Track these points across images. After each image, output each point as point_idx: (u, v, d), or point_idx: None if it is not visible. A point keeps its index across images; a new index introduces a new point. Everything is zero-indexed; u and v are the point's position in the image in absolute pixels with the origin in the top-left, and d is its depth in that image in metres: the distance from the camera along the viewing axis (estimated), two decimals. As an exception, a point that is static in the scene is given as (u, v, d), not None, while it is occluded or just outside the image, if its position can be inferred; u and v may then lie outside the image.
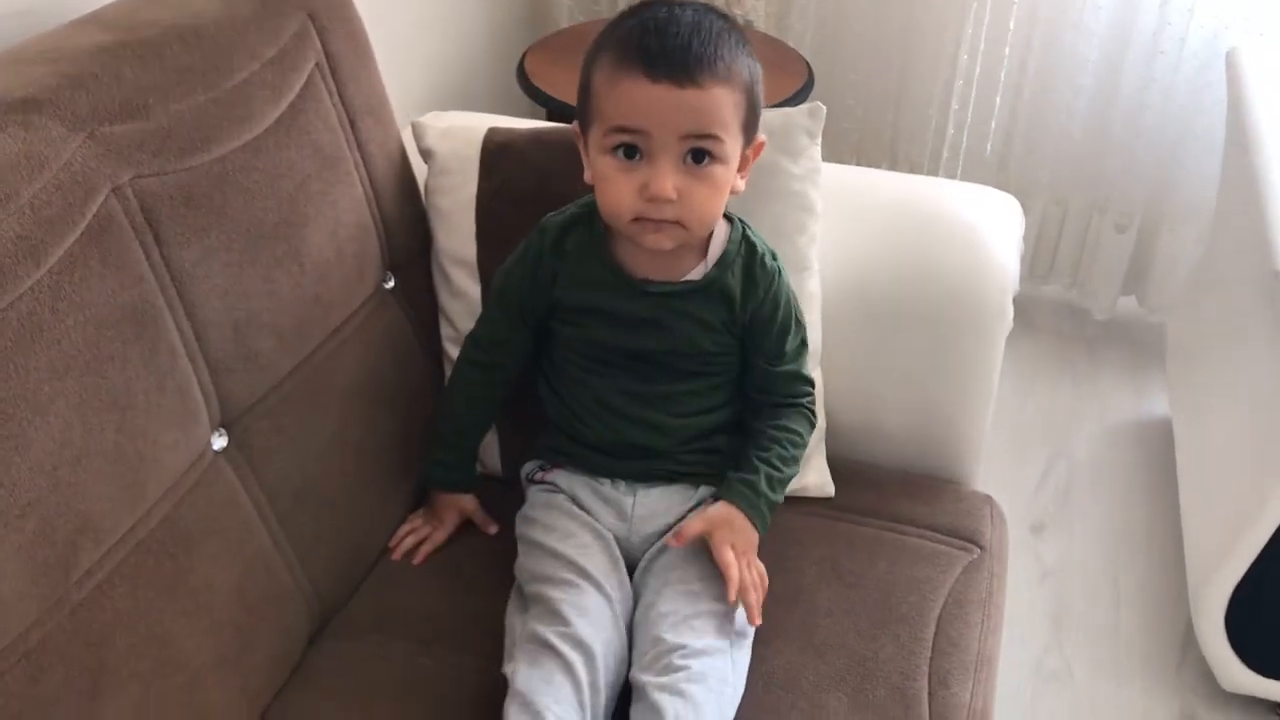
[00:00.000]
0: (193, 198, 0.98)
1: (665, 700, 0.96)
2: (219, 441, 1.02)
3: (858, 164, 2.34)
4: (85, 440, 0.86)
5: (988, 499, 1.32)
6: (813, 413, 1.19)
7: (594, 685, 0.98)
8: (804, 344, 1.18)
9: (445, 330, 1.32)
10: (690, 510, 1.15)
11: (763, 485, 1.12)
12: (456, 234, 1.29)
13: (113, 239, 0.91)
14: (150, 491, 0.93)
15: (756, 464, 1.13)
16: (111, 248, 0.90)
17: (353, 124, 1.20)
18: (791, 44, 2.22)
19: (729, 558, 1.05)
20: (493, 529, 1.24)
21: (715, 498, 1.13)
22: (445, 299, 1.31)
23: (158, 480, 0.94)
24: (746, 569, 1.06)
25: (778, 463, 1.13)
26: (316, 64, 1.15)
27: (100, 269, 0.89)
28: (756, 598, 1.06)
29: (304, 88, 1.13)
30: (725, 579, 1.04)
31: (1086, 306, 2.43)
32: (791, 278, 1.24)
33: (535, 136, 1.30)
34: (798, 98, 1.94)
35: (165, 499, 0.95)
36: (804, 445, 1.17)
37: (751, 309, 1.13)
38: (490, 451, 1.31)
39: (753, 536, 1.10)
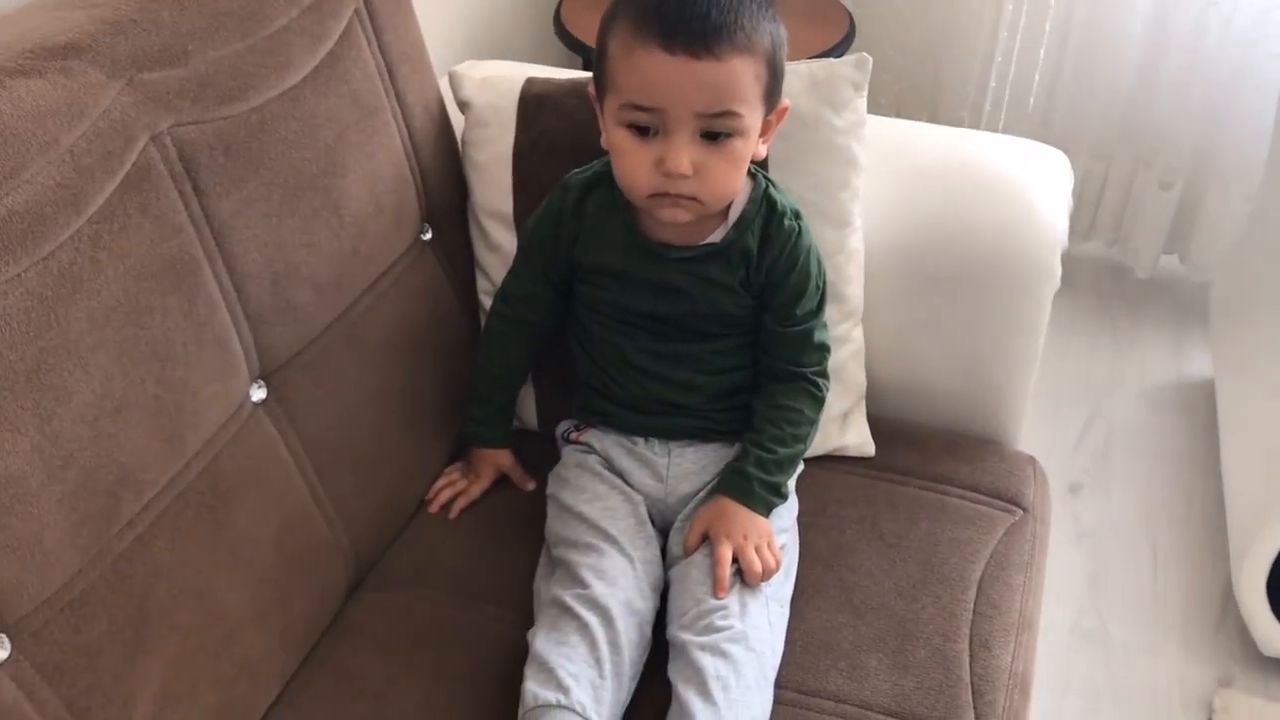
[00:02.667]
0: (231, 147, 0.97)
1: (706, 659, 0.96)
2: (258, 394, 1.02)
3: (897, 116, 2.30)
4: (125, 391, 0.86)
5: (1031, 460, 1.30)
6: (817, 385, 1.14)
7: (613, 644, 0.98)
8: (819, 310, 1.14)
9: (481, 284, 1.31)
10: (728, 468, 1.14)
11: (752, 469, 1.09)
12: (493, 187, 1.27)
13: (151, 188, 0.90)
14: (190, 443, 0.93)
15: (748, 449, 1.11)
16: (150, 197, 0.89)
17: (391, 73, 1.18)
18: (832, -7, 2.17)
19: (720, 554, 1.03)
20: (529, 485, 1.24)
21: (710, 493, 1.11)
22: (481, 252, 1.30)
23: (197, 432, 0.93)
24: (753, 555, 1.04)
25: (770, 444, 1.11)
26: (355, 11, 1.13)
27: (139, 218, 0.88)
28: (757, 582, 1.03)
29: (342, 35, 1.11)
30: (714, 576, 1.02)
31: (1128, 265, 2.39)
32: (833, 233, 1.22)
33: (573, 87, 1.27)
34: (839, 49, 1.90)
35: (205, 451, 0.95)
36: (807, 420, 1.13)
37: (766, 267, 1.10)
38: (527, 408, 1.30)
39: (754, 521, 1.07)
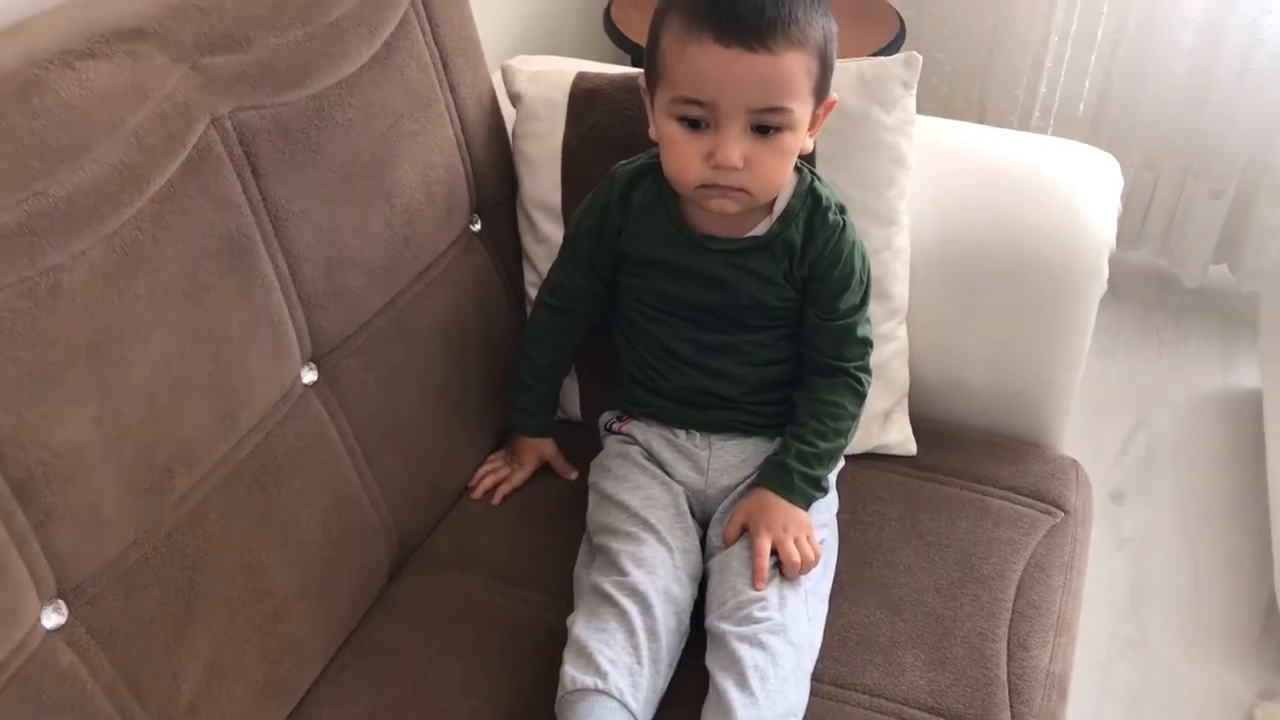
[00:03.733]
0: (289, 132, 0.99)
1: (745, 650, 0.96)
2: (309, 375, 1.03)
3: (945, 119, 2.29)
4: (183, 368, 0.88)
5: (1073, 463, 1.29)
6: (859, 380, 1.14)
7: (651, 630, 0.99)
8: (863, 305, 1.14)
9: (529, 275, 1.32)
10: (769, 461, 1.15)
11: (793, 462, 1.10)
12: (542, 179, 1.29)
13: (211, 170, 0.92)
14: (243, 422, 0.95)
15: (789, 442, 1.12)
16: (210, 179, 0.92)
17: (445, 65, 1.20)
18: (882, -4, 2.17)
19: (760, 545, 1.04)
20: (571, 474, 1.25)
21: (749, 486, 1.12)
22: (529, 244, 1.31)
23: (250, 411, 0.95)
24: (793, 546, 1.04)
25: (812, 438, 1.11)
26: (411, 2, 1.15)
27: (199, 199, 0.90)
28: (796, 574, 1.04)
29: (398, 26, 1.13)
30: (754, 567, 1.03)
31: (1176, 274, 2.37)
32: (879, 231, 1.23)
33: (623, 82, 1.29)
34: (888, 50, 1.90)
35: (256, 430, 0.97)
36: (848, 415, 1.14)
37: (810, 261, 1.10)
38: (570, 397, 1.31)
39: (794, 513, 1.08)
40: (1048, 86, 2.27)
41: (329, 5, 1.05)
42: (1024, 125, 2.31)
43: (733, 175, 1.01)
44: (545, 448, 1.26)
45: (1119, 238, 2.31)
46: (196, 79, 0.91)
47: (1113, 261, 1.30)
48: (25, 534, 0.77)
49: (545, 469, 1.26)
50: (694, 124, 1.01)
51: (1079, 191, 1.30)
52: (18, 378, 0.76)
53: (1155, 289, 2.39)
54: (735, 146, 1.00)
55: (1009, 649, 1.06)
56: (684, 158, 1.02)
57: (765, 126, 1.00)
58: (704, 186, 1.03)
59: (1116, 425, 2.07)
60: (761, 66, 0.97)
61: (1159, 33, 2.14)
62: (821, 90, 1.04)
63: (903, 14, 2.05)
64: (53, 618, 0.79)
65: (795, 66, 0.99)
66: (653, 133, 1.07)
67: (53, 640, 0.79)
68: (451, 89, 1.21)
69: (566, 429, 1.29)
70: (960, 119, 2.30)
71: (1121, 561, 1.81)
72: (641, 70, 1.10)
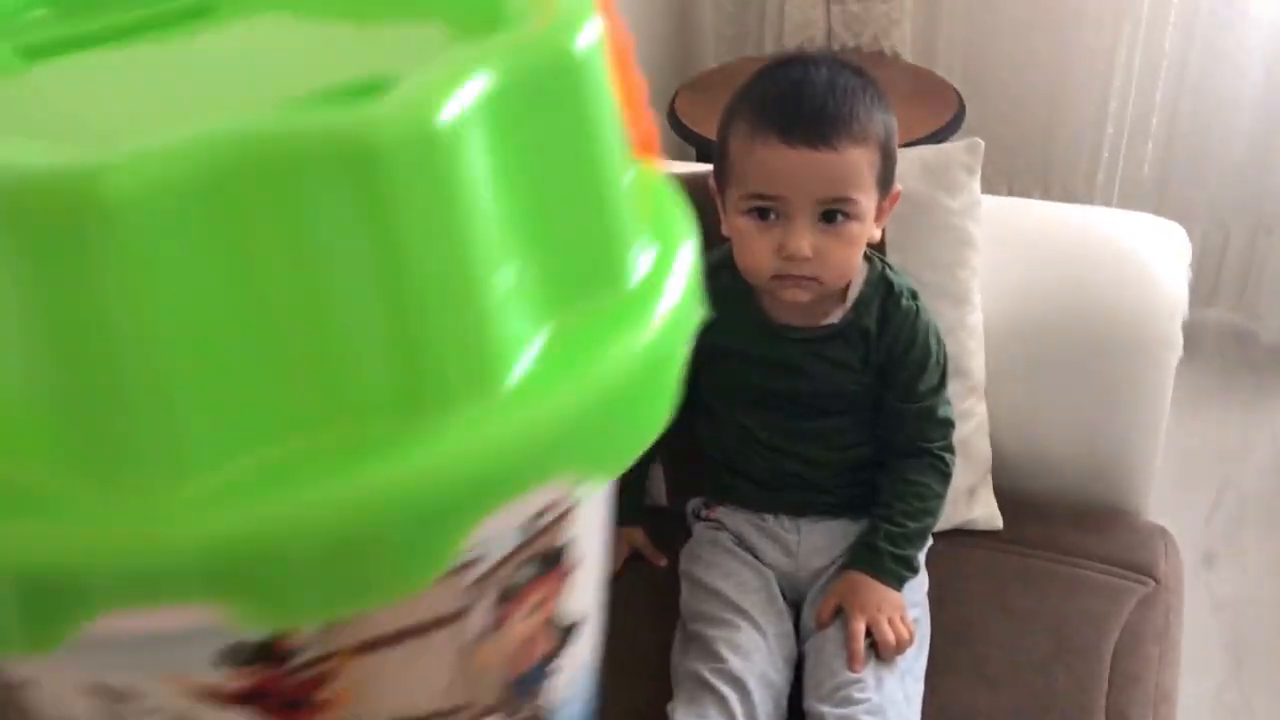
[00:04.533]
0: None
1: (845, 731, 0.98)
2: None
3: (1009, 192, 2.32)
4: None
5: (1161, 530, 1.30)
6: (943, 460, 1.16)
7: (750, 715, 1.01)
8: (941, 386, 1.16)
9: (612, 368, 1.36)
10: (857, 543, 1.17)
11: (881, 543, 1.12)
12: (622, 275, 1.33)
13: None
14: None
15: (876, 523, 1.14)
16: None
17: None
18: (940, 73, 2.22)
19: (855, 628, 1.06)
20: (661, 561, 1.27)
21: (840, 568, 1.14)
22: (612, 338, 1.35)
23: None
24: (887, 627, 1.06)
25: (900, 518, 1.13)
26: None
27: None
28: (892, 654, 1.06)
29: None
30: (849, 649, 1.05)
31: (1253, 329, 2.35)
32: (953, 311, 1.25)
33: (692, 180, 1.33)
34: (949, 128, 1.94)
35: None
36: (934, 495, 1.16)
37: (885, 346, 1.13)
38: (657, 484, 1.34)
39: (886, 594, 1.09)
40: (1110, 152, 2.29)
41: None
42: (1089, 192, 2.32)
43: (803, 265, 1.05)
44: (636, 536, 1.29)
45: (1193, 297, 2.31)
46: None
47: (1189, 322, 1.31)
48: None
49: (635, 557, 1.29)
50: (764, 215, 1.06)
51: (1148, 261, 1.32)
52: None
53: (1233, 346, 2.37)
54: (804, 237, 1.04)
55: (1109, 722, 1.07)
56: (756, 250, 1.07)
57: (833, 213, 1.04)
58: (777, 277, 1.07)
59: (1203, 487, 2.05)
60: (826, 163, 1.02)
61: (1219, 92, 2.16)
62: (885, 182, 1.08)
63: (961, 90, 2.09)
64: None
65: (859, 160, 1.03)
66: (725, 229, 1.11)
67: None
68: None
69: (654, 516, 1.31)
70: (1025, 190, 2.34)
71: (1218, 626, 1.78)
72: (710, 166, 1.15)
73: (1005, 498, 1.30)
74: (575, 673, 0.51)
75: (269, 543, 0.33)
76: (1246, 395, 2.26)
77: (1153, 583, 1.22)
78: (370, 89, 0.37)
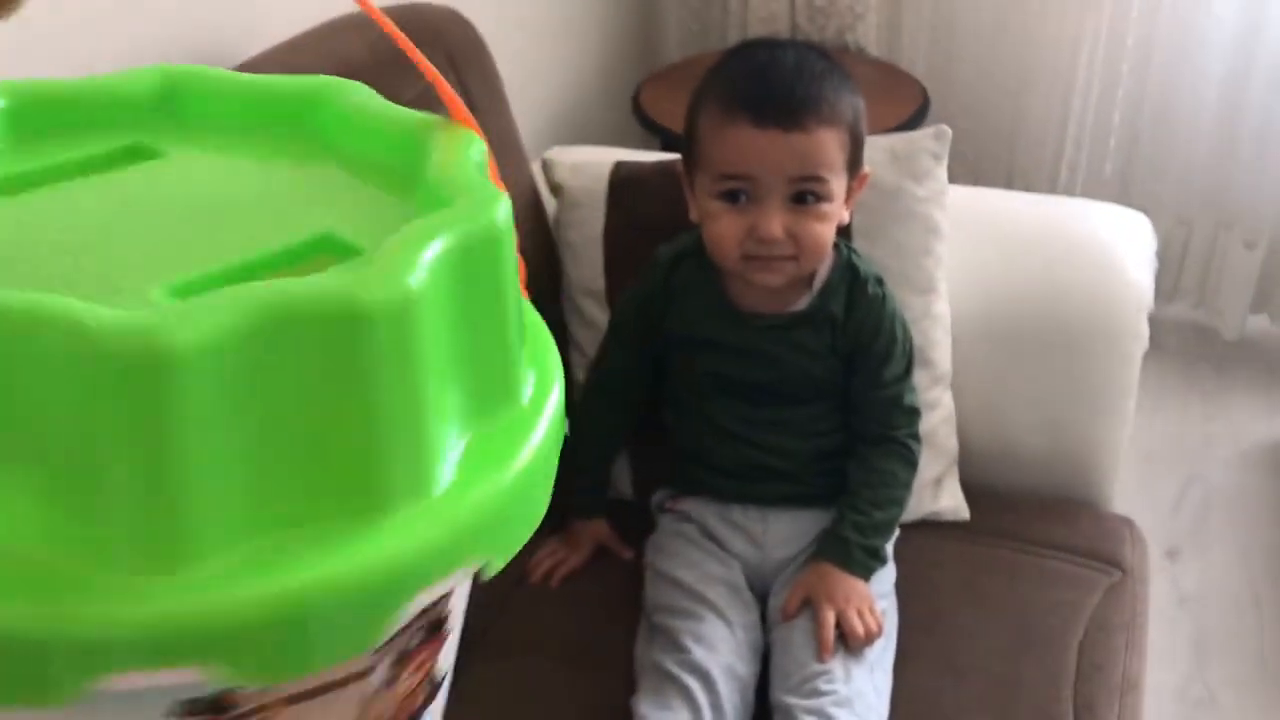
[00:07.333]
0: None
1: (812, 723, 0.97)
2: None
3: (974, 185, 2.32)
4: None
5: (1127, 521, 1.30)
6: (908, 447, 1.16)
7: (716, 707, 0.99)
8: (907, 374, 1.16)
9: (576, 359, 1.35)
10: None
11: (850, 534, 1.11)
12: (586, 266, 1.32)
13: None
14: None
15: (844, 514, 1.13)
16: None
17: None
18: (904, 68, 2.22)
19: (823, 618, 1.05)
20: (627, 554, 1.26)
21: (808, 559, 1.13)
22: (576, 329, 1.34)
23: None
24: (856, 618, 1.05)
25: (865, 507, 1.12)
26: (453, 103, 1.20)
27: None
28: (860, 646, 1.05)
29: (441, 126, 1.17)
30: (818, 639, 1.04)
31: (1214, 326, 2.37)
32: (918, 299, 1.25)
33: (660, 168, 1.32)
34: (913, 122, 1.94)
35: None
36: (901, 484, 1.15)
37: (852, 332, 1.13)
38: (622, 477, 1.32)
39: (855, 585, 1.09)
40: (1073, 147, 2.29)
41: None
42: (1052, 186, 2.33)
43: (775, 246, 1.04)
44: (600, 529, 1.27)
45: (1156, 293, 2.32)
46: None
47: (1150, 317, 1.31)
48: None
49: (601, 551, 1.27)
50: (734, 198, 1.04)
51: (1114, 252, 1.32)
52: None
53: (1195, 342, 2.39)
54: (775, 219, 1.03)
55: (1075, 712, 1.06)
56: (725, 232, 1.05)
57: (804, 195, 1.03)
58: (747, 259, 1.06)
59: (1166, 481, 2.06)
60: (797, 144, 1.01)
61: (1182, 88, 2.17)
62: (854, 164, 1.07)
63: (926, 84, 2.09)
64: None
65: (828, 141, 1.02)
66: (694, 215, 1.10)
67: None
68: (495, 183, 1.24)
69: (619, 509, 1.30)
70: (989, 183, 2.34)
71: (1183, 619, 1.79)
72: (678, 155, 1.14)
73: (972, 489, 1.29)
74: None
75: (250, 619, 0.42)
76: (1208, 391, 2.27)
77: (1119, 573, 1.21)
78: (328, 245, 0.50)
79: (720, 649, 1.04)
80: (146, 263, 0.48)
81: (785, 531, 1.16)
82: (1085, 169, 2.32)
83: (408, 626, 0.51)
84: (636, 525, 1.25)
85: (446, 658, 0.59)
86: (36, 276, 0.48)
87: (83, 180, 0.56)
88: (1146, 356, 1.31)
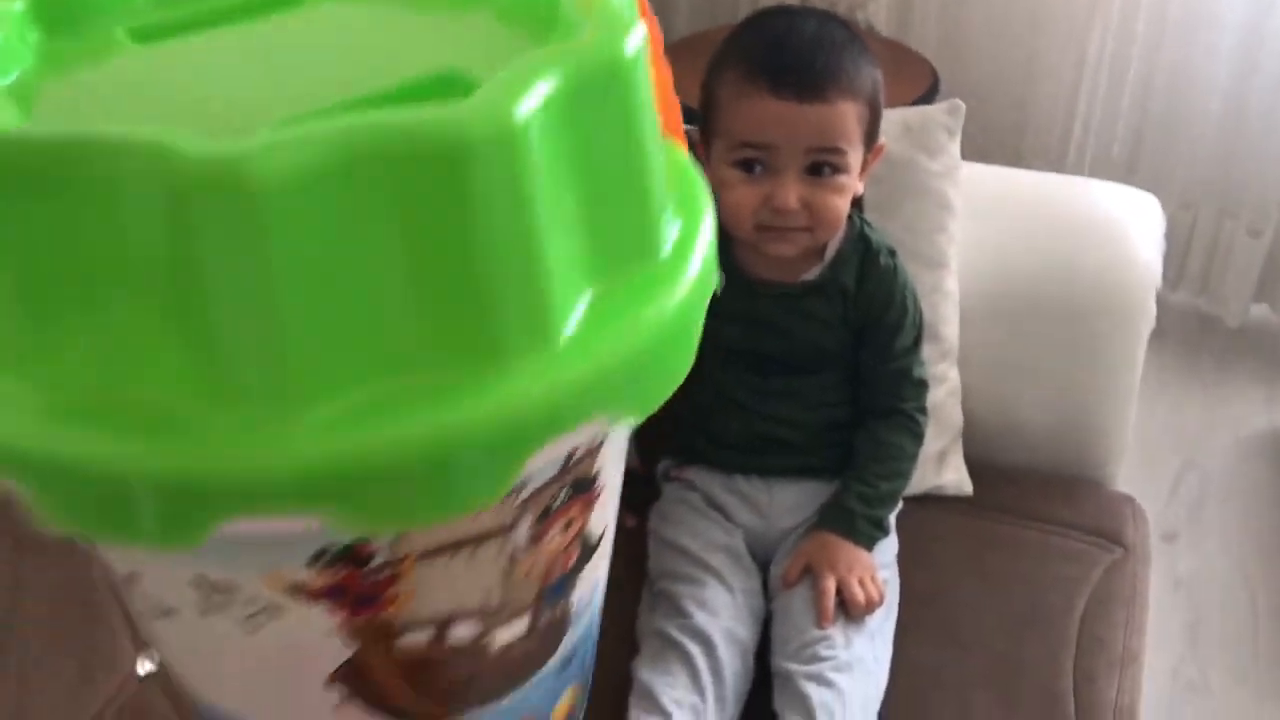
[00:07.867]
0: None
1: (812, 689, 0.97)
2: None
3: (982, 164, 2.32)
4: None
5: (1129, 499, 1.30)
6: (916, 420, 1.16)
7: (715, 671, 1.00)
8: (916, 346, 1.16)
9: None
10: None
11: (854, 504, 1.11)
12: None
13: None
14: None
15: (849, 484, 1.13)
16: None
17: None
18: (914, 47, 2.21)
19: (824, 585, 1.05)
20: (630, 522, 1.26)
21: (811, 528, 1.13)
22: (584, 296, 1.34)
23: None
24: (857, 586, 1.06)
25: (871, 478, 1.13)
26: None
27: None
28: (861, 614, 1.05)
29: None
30: (818, 606, 1.04)
31: (1217, 314, 2.37)
32: (928, 274, 1.25)
33: (671, 137, 1.32)
34: (922, 102, 1.94)
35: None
36: (907, 456, 1.15)
37: (864, 303, 1.12)
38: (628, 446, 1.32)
39: (857, 554, 1.09)
40: (1082, 130, 2.29)
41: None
42: (1060, 167, 2.33)
43: (790, 217, 1.04)
44: (604, 497, 1.27)
45: (1160, 278, 2.33)
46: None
47: (1155, 302, 1.31)
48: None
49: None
50: (749, 168, 1.04)
51: (1123, 230, 1.32)
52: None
53: (1197, 330, 2.39)
54: (791, 190, 1.02)
55: (1076, 684, 1.06)
56: (741, 202, 1.05)
57: (820, 166, 1.03)
58: (762, 229, 1.06)
59: (1165, 467, 2.06)
60: (816, 114, 1.01)
61: (1192, 73, 2.17)
62: (871, 136, 1.06)
63: (935, 64, 2.09)
64: (146, 664, 0.82)
65: (847, 112, 1.02)
66: (708, 181, 1.09)
67: (147, 687, 0.81)
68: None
69: (625, 478, 1.29)
70: (997, 163, 2.33)
71: (1178, 602, 1.80)
72: (691, 126, 1.13)
73: (976, 464, 1.29)
74: (593, 583, 0.63)
75: (367, 465, 0.41)
76: (1209, 379, 2.28)
77: (1121, 549, 1.22)
78: (449, 82, 0.47)
79: (721, 614, 1.05)
80: (268, 102, 0.47)
81: (789, 501, 1.16)
82: (1093, 151, 2.32)
83: (550, 483, 0.51)
84: (641, 494, 1.25)
85: (600, 518, 0.58)
86: (155, 115, 0.47)
87: (224, 26, 0.55)
88: (1150, 343, 1.31)
